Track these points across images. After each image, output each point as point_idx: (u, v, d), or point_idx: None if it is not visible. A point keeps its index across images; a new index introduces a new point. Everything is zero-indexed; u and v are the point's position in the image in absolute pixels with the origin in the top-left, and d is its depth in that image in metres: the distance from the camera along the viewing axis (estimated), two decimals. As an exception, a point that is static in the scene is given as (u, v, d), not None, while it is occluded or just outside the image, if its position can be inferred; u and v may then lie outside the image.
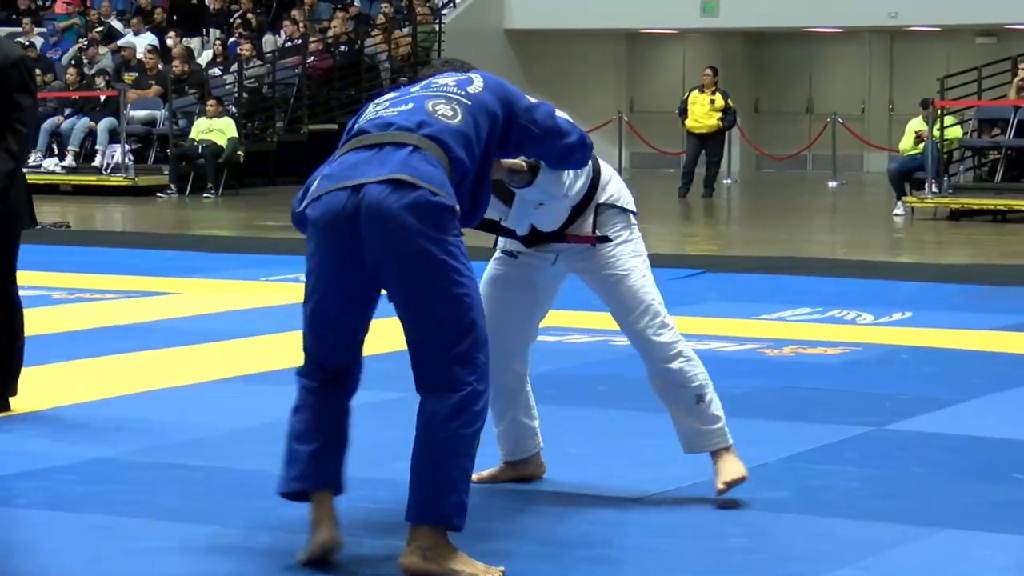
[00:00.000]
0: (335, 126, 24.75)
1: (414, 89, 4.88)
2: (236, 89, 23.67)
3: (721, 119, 21.62)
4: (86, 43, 25.28)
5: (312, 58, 24.53)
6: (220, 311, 10.46)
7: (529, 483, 5.75)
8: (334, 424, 4.83)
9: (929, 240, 17.04)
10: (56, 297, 11.01)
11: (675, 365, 5.42)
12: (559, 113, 5.11)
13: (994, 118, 20.02)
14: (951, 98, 20.61)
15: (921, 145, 19.19)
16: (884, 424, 6.76)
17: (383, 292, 4.75)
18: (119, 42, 25.56)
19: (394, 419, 7.04)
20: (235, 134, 21.95)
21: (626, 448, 6.32)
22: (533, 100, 4.99)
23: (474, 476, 5.52)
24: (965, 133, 20.37)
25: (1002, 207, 18.31)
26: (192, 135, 22.07)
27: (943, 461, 5.65)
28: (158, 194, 21.86)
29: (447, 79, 4.88)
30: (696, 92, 21.99)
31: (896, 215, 18.79)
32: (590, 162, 5.29)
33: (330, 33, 25.38)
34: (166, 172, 22.30)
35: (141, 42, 25.16)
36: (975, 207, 18.59)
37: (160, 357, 8.67)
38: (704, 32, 28.58)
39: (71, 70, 23.89)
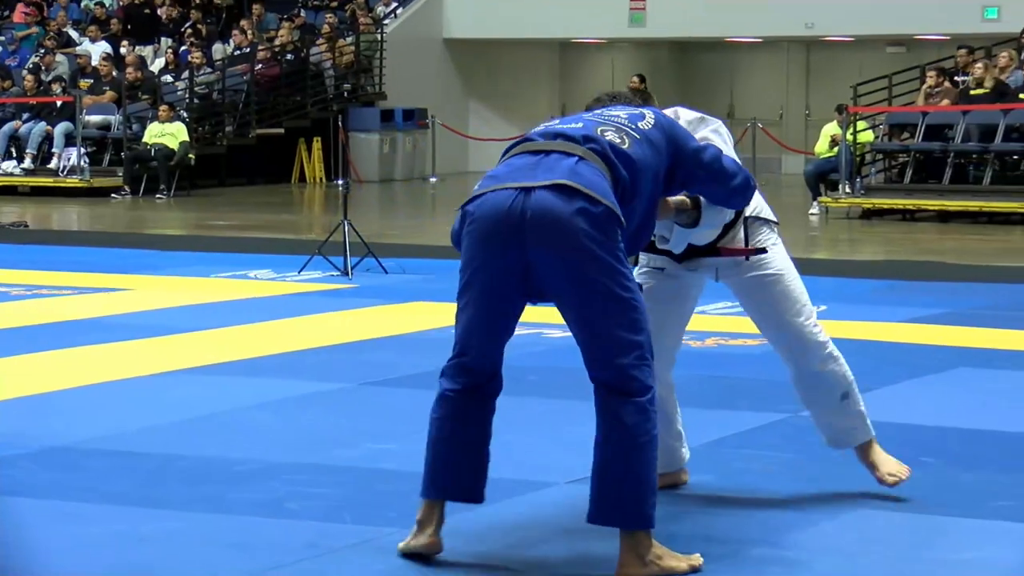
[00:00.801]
0: (282, 130, 24.77)
1: (586, 115, 4.76)
2: (187, 95, 23.62)
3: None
4: (43, 51, 25.11)
5: (260, 66, 24.46)
6: (171, 306, 10.41)
7: None
8: (475, 433, 4.70)
9: (843, 238, 17.16)
10: (14, 294, 10.96)
11: (830, 367, 5.31)
12: (726, 152, 4.97)
13: (904, 123, 20.14)
14: (864, 104, 20.75)
15: (836, 148, 19.29)
16: (801, 411, 6.79)
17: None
18: (76, 50, 25.44)
19: (331, 409, 7.05)
20: (186, 138, 21.88)
21: (557, 434, 6.33)
22: (702, 142, 4.84)
23: None
24: (877, 137, 20.49)
25: (911, 207, 18.44)
26: (145, 139, 21.96)
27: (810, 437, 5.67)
28: (112, 195, 21.75)
29: (619, 111, 4.75)
30: (624, 98, 21.97)
31: (812, 214, 18.89)
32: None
33: (277, 42, 25.31)
34: (120, 174, 22.20)
35: (96, 50, 25.06)
36: (886, 207, 18.71)
37: (114, 350, 8.62)
38: (632, 41, 28.65)
39: (29, 77, 23.76)
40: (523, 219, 4.42)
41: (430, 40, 27.43)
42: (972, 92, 19.45)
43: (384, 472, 5.80)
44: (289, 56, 25.15)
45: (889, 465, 5.36)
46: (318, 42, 25.68)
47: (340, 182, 13.86)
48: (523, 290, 4.54)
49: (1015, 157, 19.02)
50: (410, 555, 4.63)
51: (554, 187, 4.43)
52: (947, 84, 19.92)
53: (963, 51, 21.00)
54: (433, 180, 25.21)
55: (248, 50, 24.88)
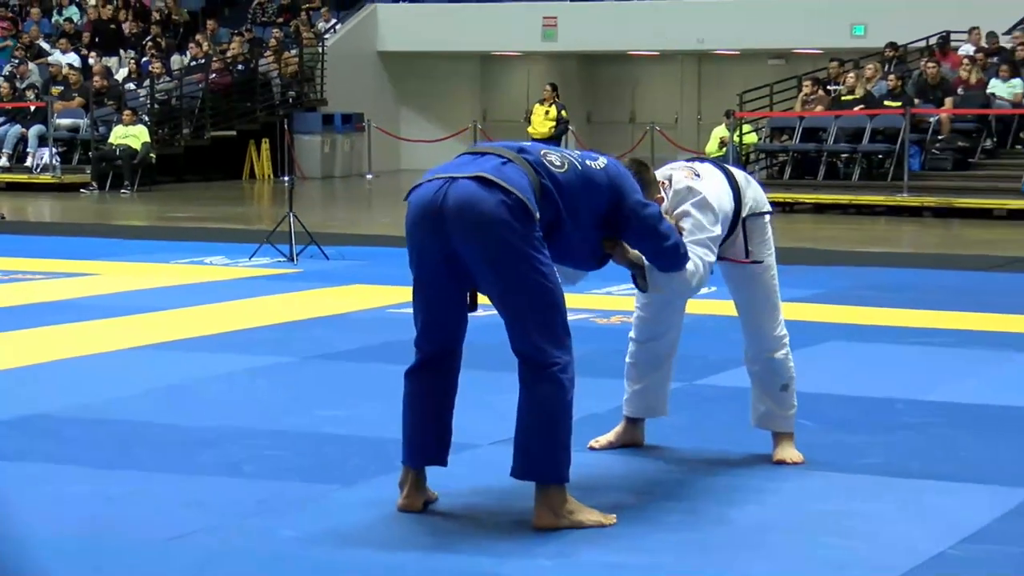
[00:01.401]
0: (234, 133, 24.62)
1: (544, 144, 4.78)
2: (148, 101, 23.45)
3: (553, 127, 21.69)
4: (17, 61, 24.83)
5: (214, 75, 24.32)
6: (135, 289, 10.31)
7: None
8: (433, 406, 4.66)
9: (731, 228, 17.20)
10: (-7, 278, 10.82)
11: (779, 356, 5.32)
12: (675, 178, 4.97)
13: (783, 126, 20.27)
14: (748, 110, 20.86)
15: (724, 149, 19.39)
16: (695, 380, 6.82)
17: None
18: (47, 60, 25.18)
19: (280, 381, 7.02)
20: (148, 139, 21.70)
21: (482, 402, 6.33)
22: (645, 200, 4.73)
23: (593, 443, 5.50)
24: (760, 139, 20.61)
25: (790, 200, 18.55)
26: (111, 140, 21.76)
27: (746, 411, 5.68)
28: (81, 190, 21.52)
29: (576, 151, 4.73)
30: (538, 104, 22.04)
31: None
32: (728, 182, 5.05)
33: (229, 54, 25.15)
34: (88, 172, 21.98)
35: (66, 61, 24.81)
36: (768, 200, 18.82)
37: (84, 329, 8.54)
38: (545, 54, 28.65)
39: (4, 84, 23.49)
40: (443, 206, 4.43)
41: (366, 53, 27.35)
42: (843, 99, 19.60)
43: (329, 436, 5.78)
44: (240, 66, 25.00)
45: (790, 453, 5.35)
46: (266, 54, 25.56)
47: (286, 179, 13.79)
48: (453, 273, 4.51)
49: (880, 156, 19.19)
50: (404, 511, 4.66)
51: (475, 178, 4.43)
52: (821, 92, 20.07)
53: (835, 63, 21.17)
54: (369, 177, 25.15)
55: (203, 61, 24.75)
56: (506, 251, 4.39)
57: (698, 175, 5.08)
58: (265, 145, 24.76)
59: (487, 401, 6.18)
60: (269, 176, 24.62)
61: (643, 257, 4.86)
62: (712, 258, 4.98)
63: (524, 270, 4.41)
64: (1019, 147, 18.88)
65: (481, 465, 5.27)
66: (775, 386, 5.35)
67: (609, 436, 5.54)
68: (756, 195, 5.27)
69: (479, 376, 6.90)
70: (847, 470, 5.27)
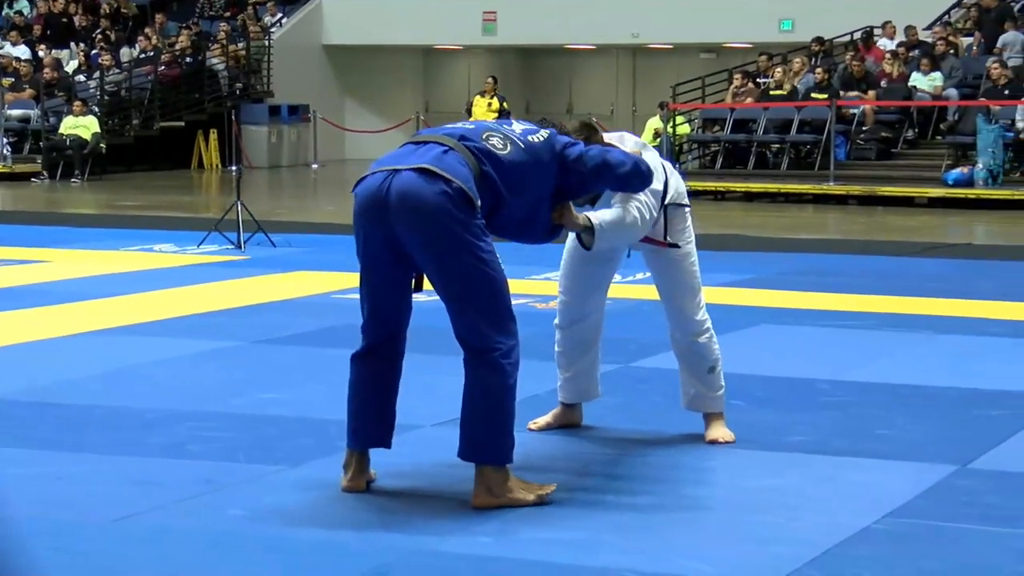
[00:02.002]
0: (182, 123, 24.46)
1: (488, 123, 4.71)
2: (98, 93, 23.25)
3: (496, 119, 21.65)
4: (-30, 54, 24.55)
5: (162, 67, 24.14)
6: (86, 276, 10.22)
7: None
8: (376, 391, 4.63)
9: (665, 215, 17.25)
10: (-54, 265, 10.69)
11: (703, 340, 5.33)
12: (625, 145, 4.94)
13: (715, 118, 20.36)
14: (681, 102, 20.93)
15: (658, 139, 19.44)
16: (630, 362, 6.84)
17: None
18: (-2, 52, 24.93)
19: (227, 364, 6.98)
20: (98, 130, 21.52)
21: (424, 385, 6.31)
22: (584, 147, 4.72)
23: (532, 424, 5.49)
24: (692, 130, 20.68)
25: (721, 189, 18.64)
26: (61, 130, 21.55)
27: (677, 392, 5.70)
28: (32, 179, 21.32)
29: (517, 126, 4.69)
30: (479, 96, 22.02)
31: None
32: (655, 173, 5.01)
33: (177, 47, 24.97)
34: (39, 161, 21.77)
35: (16, 53, 24.54)
36: (700, 189, 18.85)
37: (36, 314, 8.45)
38: (485, 48, 28.61)
39: (-43, 76, 23.23)
40: (387, 198, 4.41)
41: (311, 46, 27.23)
42: (772, 92, 19.70)
43: (273, 418, 5.75)
44: (188, 59, 24.84)
45: (721, 432, 5.36)
46: (213, 47, 25.39)
47: (234, 168, 13.69)
48: (398, 262, 4.49)
49: (807, 146, 19.30)
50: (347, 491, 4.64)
51: (417, 169, 4.41)
52: (750, 85, 20.17)
53: (764, 57, 21.27)
54: (315, 166, 25.05)
55: (152, 53, 24.58)
56: (447, 240, 4.37)
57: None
58: (213, 135, 24.61)
59: (430, 383, 6.17)
60: (217, 166, 24.47)
61: (589, 217, 4.86)
62: (651, 211, 4.96)
63: (465, 258, 4.39)
64: (939, 138, 19.04)
65: (424, 446, 5.26)
66: (702, 369, 5.37)
67: (547, 418, 5.55)
68: (678, 186, 5.33)
69: (423, 359, 6.89)
70: (773, 448, 5.30)
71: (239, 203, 12.02)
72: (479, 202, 4.42)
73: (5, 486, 4.74)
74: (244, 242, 11.83)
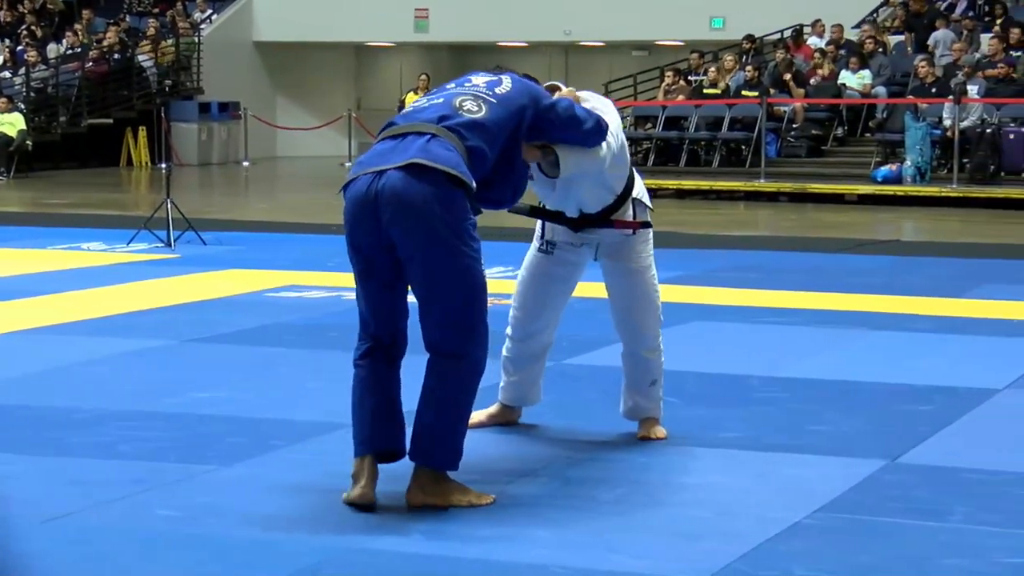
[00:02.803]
0: (111, 120, 24.26)
1: (450, 86, 4.63)
2: (24, 89, 22.99)
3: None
4: None
5: (90, 64, 23.93)
6: (13, 275, 10.11)
7: None
8: (382, 396, 4.48)
9: (597, 212, 17.29)
10: None
11: (653, 356, 5.32)
12: (604, 114, 4.93)
13: (647, 115, 20.45)
14: (614, 99, 20.95)
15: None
16: (563, 359, 6.85)
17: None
18: (-78, 48, 24.59)
19: (158, 363, 6.93)
20: (24, 127, 21.28)
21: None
22: (553, 97, 4.77)
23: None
24: (625, 127, 20.72)
25: (654, 186, 18.58)
26: (-14, 127, 21.31)
27: (611, 388, 5.74)
28: (-42, 177, 21.06)
29: (480, 79, 4.64)
30: (411, 93, 22.00)
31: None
32: (628, 160, 5.05)
33: (105, 43, 24.75)
34: (-35, 159, 21.51)
35: (-59, 49, 24.24)
36: (633, 186, 18.97)
37: (-39, 314, 8.35)
38: (417, 45, 28.58)
39: None
40: (377, 201, 4.31)
41: (241, 42, 27.09)
42: (705, 91, 19.81)
43: (205, 417, 5.72)
44: (116, 55, 24.64)
45: (655, 429, 5.37)
46: (142, 43, 25.20)
47: (163, 165, 13.59)
48: (393, 265, 4.40)
49: (738, 144, 19.43)
50: (350, 505, 4.44)
51: (404, 167, 4.31)
52: (682, 82, 20.27)
53: (695, 55, 21.40)
54: (246, 164, 24.91)
55: (79, 50, 24.36)
56: (434, 242, 4.30)
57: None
58: (142, 133, 24.42)
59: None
60: (146, 163, 24.29)
61: (551, 146, 4.81)
62: (609, 146, 4.94)
63: (449, 262, 4.33)
64: (868, 135, 19.23)
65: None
66: (645, 382, 5.36)
67: (482, 416, 5.50)
68: (643, 187, 5.31)
69: (351, 357, 6.88)
70: (706, 444, 5.33)
71: (169, 201, 11.94)
72: (473, 184, 4.35)
73: (4, 486, 4.70)
74: (174, 240, 11.76)
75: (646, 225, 5.25)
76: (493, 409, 5.56)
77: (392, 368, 4.53)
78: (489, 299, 4.54)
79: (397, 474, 4.58)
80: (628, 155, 5.15)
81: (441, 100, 4.54)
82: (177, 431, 5.48)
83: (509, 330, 5.42)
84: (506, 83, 4.62)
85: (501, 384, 5.52)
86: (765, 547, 4.14)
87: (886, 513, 4.46)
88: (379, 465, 4.50)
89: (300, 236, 12.94)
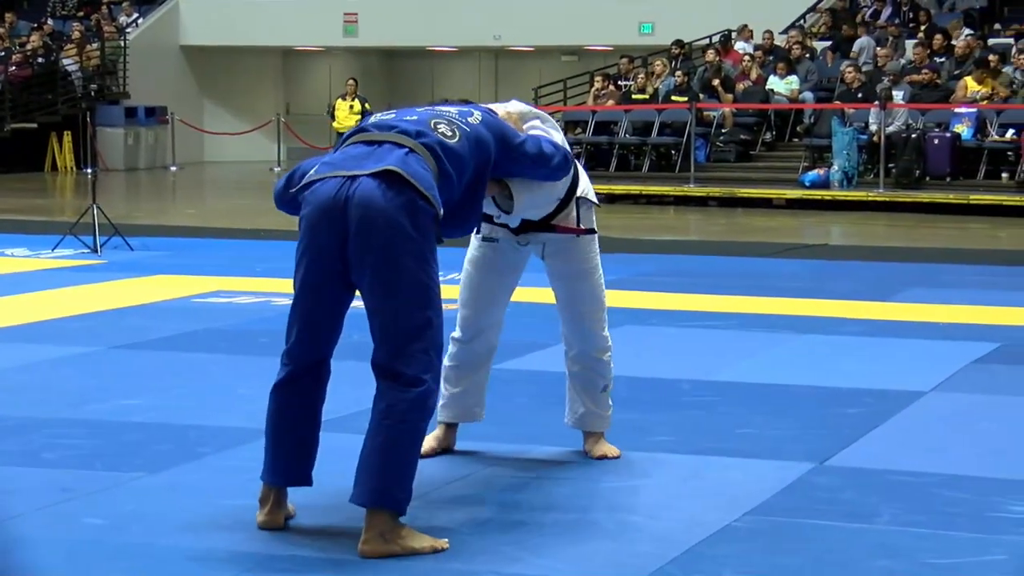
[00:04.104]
0: (35, 125, 24.02)
1: (420, 108, 4.47)
2: (-53, 93, 22.70)
3: (359, 120, 21.61)
4: None
5: (13, 68, 23.67)
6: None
7: None
8: (300, 423, 4.29)
9: (527, 217, 17.31)
10: None
11: (603, 358, 5.21)
12: (546, 133, 4.85)
13: (577, 120, 20.51)
14: (544, 104, 21.03)
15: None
16: (494, 364, 6.84)
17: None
18: None
19: (84, 370, 6.86)
20: (-53, 131, 21.00)
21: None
22: (522, 136, 4.66)
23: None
24: (555, 132, 20.77)
25: (584, 191, 18.74)
26: (-92, 132, 21.01)
27: (542, 392, 5.75)
28: None
29: (451, 108, 4.49)
30: (340, 100, 21.93)
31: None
32: (572, 164, 4.96)
33: (29, 47, 24.49)
34: None
35: None
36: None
37: None
38: (346, 49, 28.49)
39: None
40: (347, 205, 4.10)
41: (168, 46, 26.91)
42: (635, 96, 19.89)
43: (132, 424, 5.67)
44: (40, 59, 24.38)
45: (606, 448, 5.26)
46: (67, 47, 24.95)
47: (89, 170, 13.49)
48: (344, 279, 4.16)
49: (668, 149, 19.53)
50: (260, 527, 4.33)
51: (380, 174, 4.12)
52: (612, 87, 20.35)
53: (624, 60, 21.50)
54: (173, 168, 24.76)
55: (2, 54, 24.08)
56: (397, 258, 4.09)
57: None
58: (67, 138, 24.18)
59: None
60: (72, 168, 24.06)
61: (505, 181, 4.75)
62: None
63: (410, 279, 4.11)
64: (796, 140, 19.40)
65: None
66: (596, 388, 5.24)
67: (431, 442, 5.25)
68: (587, 183, 5.23)
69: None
70: (636, 448, 5.34)
71: (95, 206, 11.83)
72: (441, 210, 4.20)
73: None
74: (100, 246, 11.65)
75: (590, 231, 5.16)
76: (438, 432, 5.30)
77: (316, 395, 4.32)
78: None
79: (334, 474, 4.56)
80: (571, 159, 5.05)
81: (416, 117, 4.37)
82: (104, 438, 5.43)
83: (457, 332, 5.23)
84: (477, 115, 4.49)
85: (441, 402, 5.22)
86: (696, 550, 4.16)
87: (815, 515, 4.50)
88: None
89: (228, 241, 12.87)
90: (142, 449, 5.26)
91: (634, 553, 4.13)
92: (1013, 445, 5.48)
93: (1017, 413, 6.05)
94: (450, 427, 5.33)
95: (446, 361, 5.14)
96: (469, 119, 4.45)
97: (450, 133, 4.32)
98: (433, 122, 4.33)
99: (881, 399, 6.23)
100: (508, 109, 4.95)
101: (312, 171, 4.24)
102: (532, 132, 4.87)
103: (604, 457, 5.22)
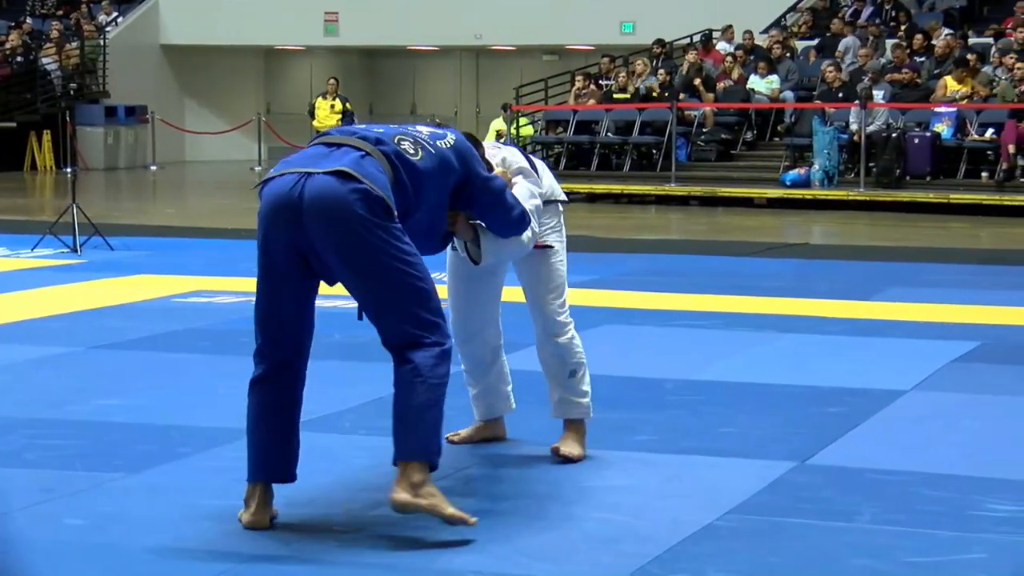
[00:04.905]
0: (14, 124, 23.93)
1: (391, 125, 4.51)
2: (-75, 92, 22.62)
3: (340, 120, 21.60)
4: None
5: (-7, 66, 23.60)
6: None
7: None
8: (278, 420, 4.32)
9: (509, 217, 17.31)
10: None
11: (563, 340, 5.18)
12: (528, 194, 4.88)
13: (558, 119, 20.51)
14: (525, 103, 21.06)
15: (502, 141, 19.52)
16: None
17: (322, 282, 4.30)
18: None
19: (64, 371, 6.84)
20: (-75, 130, 20.93)
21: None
22: (490, 173, 4.66)
23: (452, 436, 5.30)
24: (536, 131, 20.82)
25: (565, 189, 18.52)
26: None
27: (524, 393, 5.73)
28: None
29: (423, 128, 4.53)
30: (320, 99, 21.90)
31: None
32: (535, 200, 4.97)
33: (8, 46, 24.41)
34: None
35: None
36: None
37: None
38: (327, 49, 28.46)
39: None
40: (301, 200, 4.16)
41: (148, 45, 26.84)
42: (616, 96, 19.91)
43: (112, 424, 5.66)
44: (19, 58, 24.30)
45: (572, 447, 5.22)
46: (46, 46, 24.87)
47: (69, 170, 13.43)
48: (305, 271, 4.25)
49: (649, 148, 19.55)
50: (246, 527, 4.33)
51: (334, 173, 4.18)
52: (593, 87, 20.36)
53: (606, 59, 21.50)
54: (153, 168, 24.71)
55: (-18, 52, 24.00)
56: (366, 246, 4.15)
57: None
58: (47, 137, 24.11)
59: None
60: (51, 167, 23.99)
61: (479, 229, 4.77)
62: (535, 222, 4.95)
63: (386, 262, 4.17)
64: (777, 139, 19.44)
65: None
66: (563, 373, 5.23)
67: (469, 431, 5.38)
68: (551, 183, 5.27)
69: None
70: (619, 447, 5.35)
71: (75, 205, 11.79)
72: (396, 212, 4.23)
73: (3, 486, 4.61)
74: (80, 245, 11.62)
75: (547, 247, 5.15)
76: (477, 425, 5.41)
77: (294, 390, 4.35)
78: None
79: (309, 476, 4.56)
80: (528, 220, 4.91)
81: (381, 130, 4.43)
82: (84, 439, 5.41)
83: (453, 338, 5.29)
84: (449, 139, 4.51)
85: (471, 401, 5.39)
86: (678, 549, 4.17)
87: (796, 514, 4.51)
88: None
89: (208, 241, 12.84)
90: (123, 449, 5.25)
91: (617, 552, 4.14)
92: (994, 444, 5.50)
93: (997, 411, 6.07)
94: (487, 422, 5.41)
95: (461, 365, 5.26)
96: (439, 141, 4.48)
97: (412, 151, 4.37)
98: (397, 137, 4.39)
99: (862, 398, 6.24)
100: (505, 156, 5.03)
101: (272, 170, 4.33)
102: (516, 186, 4.90)
103: (566, 459, 5.14)
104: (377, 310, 4.25)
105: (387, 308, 4.23)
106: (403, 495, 4.19)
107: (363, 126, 4.51)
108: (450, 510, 4.23)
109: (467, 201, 4.61)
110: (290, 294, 4.28)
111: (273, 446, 4.34)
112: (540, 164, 5.27)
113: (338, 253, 4.18)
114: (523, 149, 5.76)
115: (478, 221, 4.79)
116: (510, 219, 4.74)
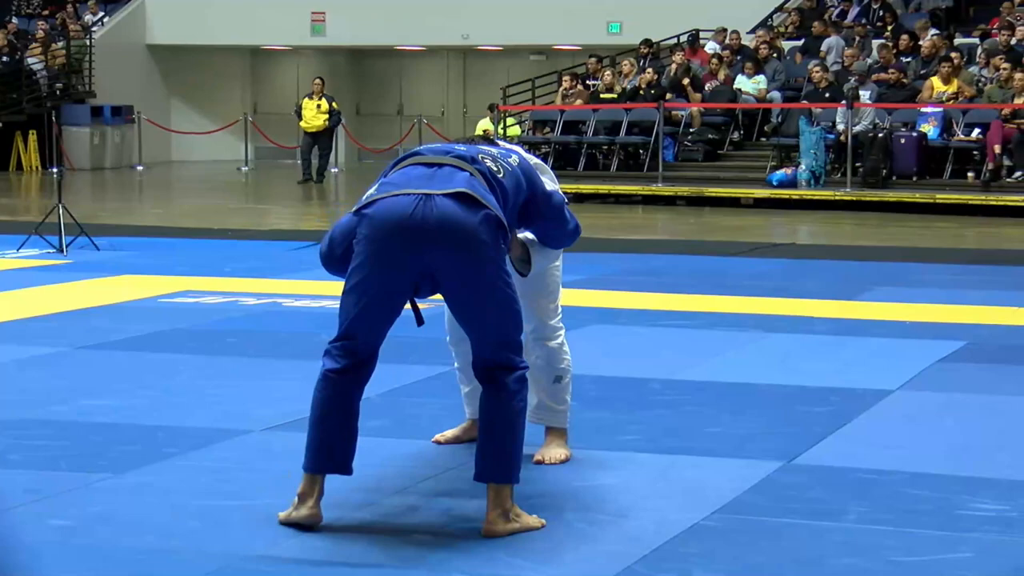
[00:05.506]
0: (0, 124, 23.85)
1: (460, 146, 4.59)
2: (-89, 92, 22.54)
3: (327, 120, 21.58)
4: None
5: (-22, 66, 23.53)
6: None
7: None
8: (350, 412, 4.40)
9: (496, 217, 17.31)
10: None
11: (553, 344, 5.18)
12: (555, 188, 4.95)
13: (545, 119, 20.52)
14: (512, 103, 21.06)
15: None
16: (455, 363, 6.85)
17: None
18: None
19: (50, 371, 6.83)
20: (-89, 130, 20.86)
21: (253, 389, 6.26)
22: (550, 188, 4.80)
23: (439, 437, 5.36)
24: (523, 131, 20.82)
25: (552, 190, 18.74)
26: None
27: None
28: None
29: (489, 147, 4.65)
30: (307, 99, 21.88)
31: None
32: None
33: (-6, 45, 24.36)
34: None
35: None
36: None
37: None
38: (314, 48, 28.43)
39: None
40: (426, 223, 4.27)
41: (134, 45, 26.79)
42: (603, 96, 19.92)
43: (97, 425, 5.65)
44: (5, 58, 24.25)
45: (555, 452, 5.21)
46: (32, 46, 24.82)
47: (55, 170, 13.40)
48: (410, 286, 4.39)
49: (636, 148, 19.56)
50: (291, 525, 4.32)
51: (456, 195, 4.31)
52: (580, 87, 20.37)
53: (593, 59, 21.51)
54: (140, 168, 24.66)
55: (-33, 52, 23.93)
56: (484, 272, 4.32)
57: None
58: (33, 137, 24.05)
59: (258, 388, 6.10)
60: (37, 168, 23.93)
61: (526, 243, 4.85)
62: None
63: (500, 288, 4.35)
64: (764, 139, 19.46)
65: (253, 451, 5.22)
66: (548, 377, 5.21)
67: (457, 431, 5.37)
68: (552, 180, 5.26)
69: (248, 363, 6.83)
70: (605, 447, 5.35)
71: (61, 205, 11.77)
72: (508, 232, 4.41)
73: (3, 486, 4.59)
74: (66, 246, 11.59)
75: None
76: (466, 424, 5.39)
77: (362, 387, 4.47)
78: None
79: (289, 474, 4.55)
80: (579, 231, 5.06)
81: (464, 148, 4.55)
82: (69, 439, 5.40)
83: (447, 336, 5.30)
84: (515, 158, 4.66)
85: (463, 399, 5.39)
86: (664, 549, 4.17)
87: (783, 514, 4.51)
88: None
89: (195, 241, 12.83)
90: (108, 450, 5.24)
91: (603, 552, 4.14)
92: (979, 443, 5.52)
93: (983, 411, 6.09)
94: (477, 421, 5.33)
95: (454, 363, 5.32)
96: (508, 159, 4.62)
97: (495, 168, 4.50)
98: (480, 155, 4.52)
99: (848, 398, 6.25)
100: (517, 156, 5.02)
101: (372, 190, 4.40)
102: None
103: (540, 462, 5.11)
104: (481, 332, 4.41)
105: (491, 332, 4.39)
106: (500, 526, 4.33)
107: (440, 144, 4.64)
108: (537, 522, 4.39)
109: (532, 216, 4.73)
110: (391, 304, 4.41)
111: (342, 438, 4.41)
112: (539, 162, 5.23)
113: (459, 277, 4.34)
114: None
115: (527, 234, 4.86)
116: (566, 232, 4.92)
